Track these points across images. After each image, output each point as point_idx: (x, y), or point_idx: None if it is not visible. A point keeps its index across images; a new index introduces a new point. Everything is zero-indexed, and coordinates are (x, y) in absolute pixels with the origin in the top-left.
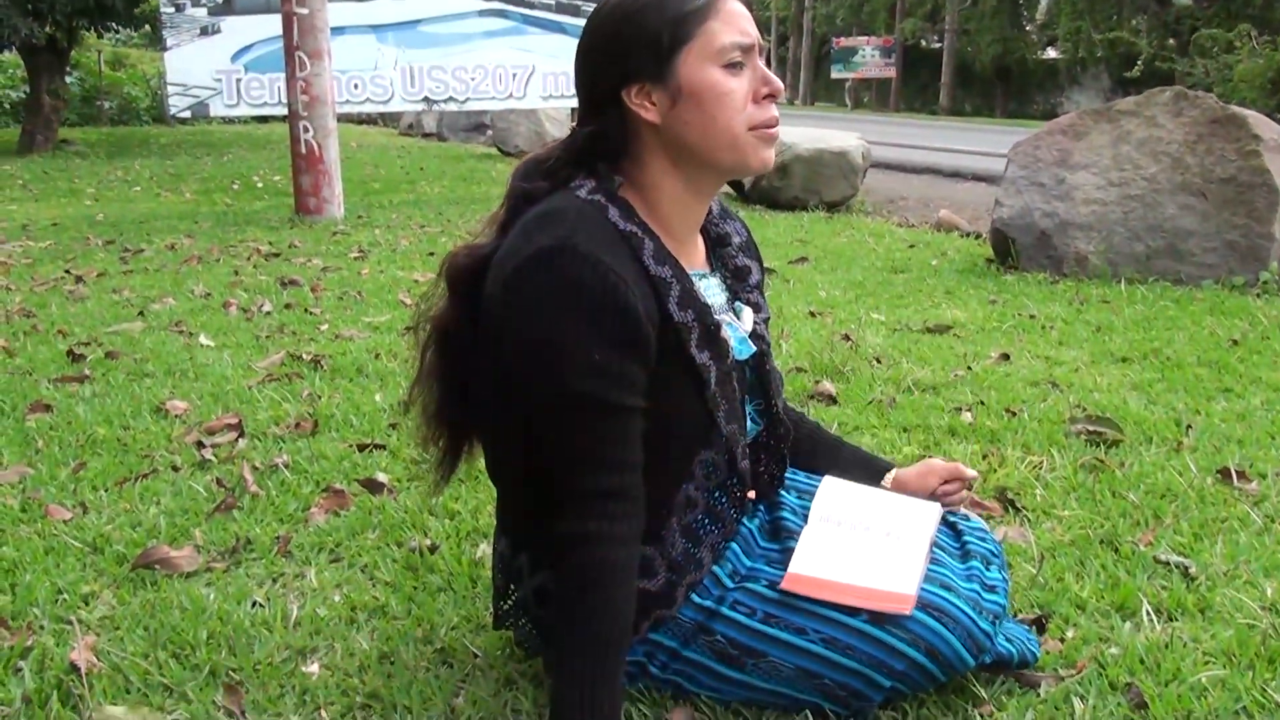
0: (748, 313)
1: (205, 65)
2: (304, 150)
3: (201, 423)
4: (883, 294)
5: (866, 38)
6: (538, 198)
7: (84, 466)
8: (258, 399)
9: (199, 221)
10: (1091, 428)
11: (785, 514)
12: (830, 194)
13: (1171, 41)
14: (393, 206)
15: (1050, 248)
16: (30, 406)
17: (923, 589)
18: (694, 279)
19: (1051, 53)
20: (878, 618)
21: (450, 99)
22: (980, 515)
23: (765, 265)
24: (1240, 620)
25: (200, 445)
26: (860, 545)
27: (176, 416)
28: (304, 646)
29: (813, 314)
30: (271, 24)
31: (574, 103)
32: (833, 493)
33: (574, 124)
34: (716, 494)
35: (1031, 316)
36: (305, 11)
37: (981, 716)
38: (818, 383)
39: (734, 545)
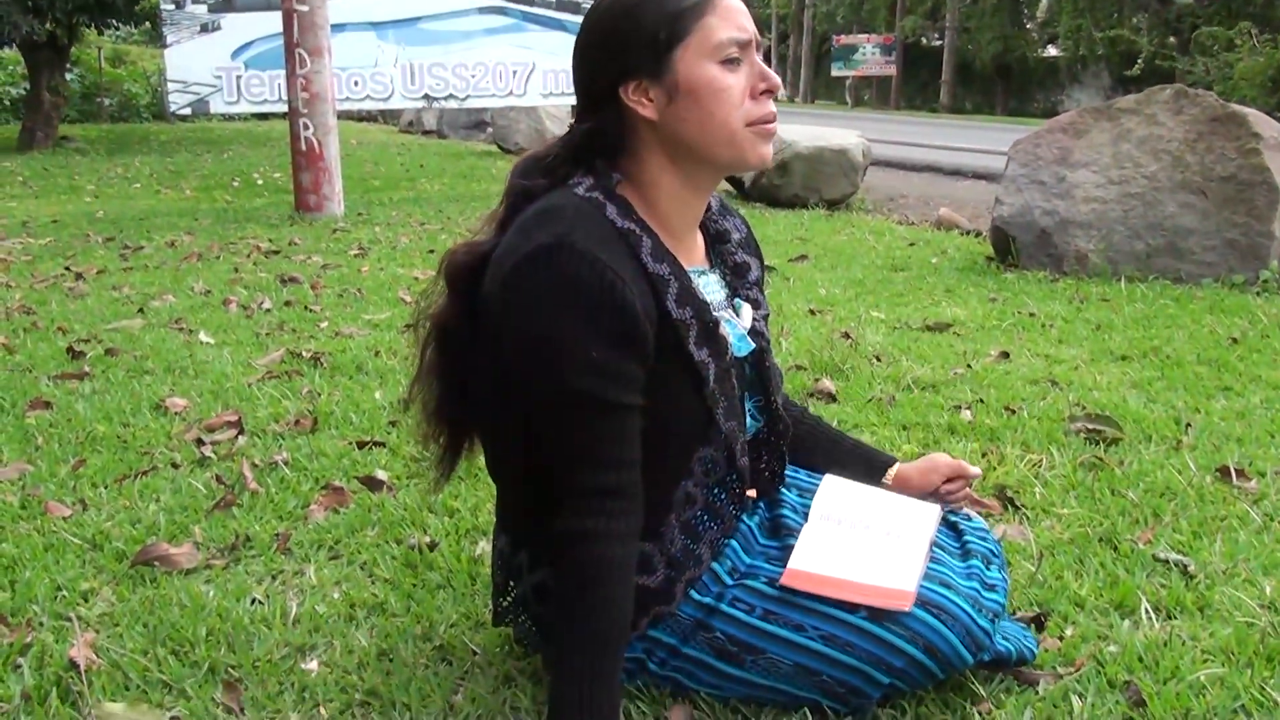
0: (747, 309)
1: (205, 62)
2: (304, 147)
3: (201, 420)
4: (883, 292)
5: (867, 35)
6: (536, 195)
7: (83, 463)
8: (257, 396)
9: (199, 219)
10: (1091, 426)
11: (785, 511)
12: (830, 192)
13: (1172, 39)
14: (393, 204)
15: (1050, 246)
16: (30, 403)
17: (922, 586)
18: (693, 276)
19: (1052, 50)
20: (877, 615)
21: (450, 96)
22: (979, 513)
23: (765, 262)
24: (1239, 618)
25: (200, 442)
26: (860, 543)
27: (176, 414)
28: (303, 644)
29: (812, 312)
30: (272, 21)
31: (574, 100)
32: (833, 491)
33: (573, 121)
34: (716, 491)
35: (1031, 315)
36: (305, 8)
37: (980, 714)
38: (817, 380)
39: (733, 543)
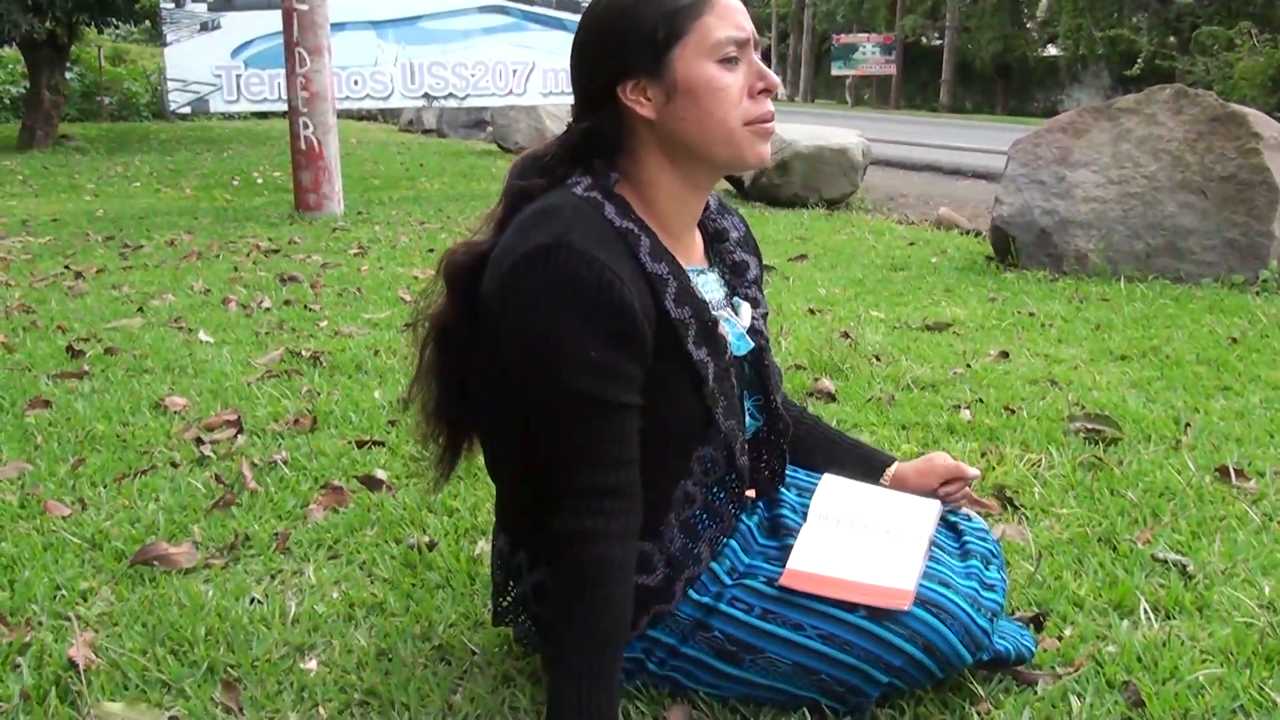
0: (746, 308)
1: (205, 61)
2: (304, 146)
3: (200, 419)
4: (882, 291)
5: (867, 35)
6: (534, 195)
7: (83, 463)
8: (257, 395)
9: (199, 217)
10: (1090, 426)
11: (784, 511)
12: (830, 191)
13: (1172, 39)
14: (392, 203)
15: (1050, 245)
16: (29, 402)
17: (921, 585)
18: (691, 275)
19: (1052, 50)
20: (876, 614)
21: (450, 95)
22: (978, 513)
23: (764, 261)
24: (1238, 619)
25: (199, 442)
26: (859, 542)
27: (175, 413)
28: (302, 643)
29: (812, 311)
30: (272, 20)
31: (573, 99)
32: (832, 490)
33: (571, 121)
34: (715, 490)
35: (1031, 314)
36: (305, 7)
37: (979, 714)
38: (817, 380)
39: (733, 542)
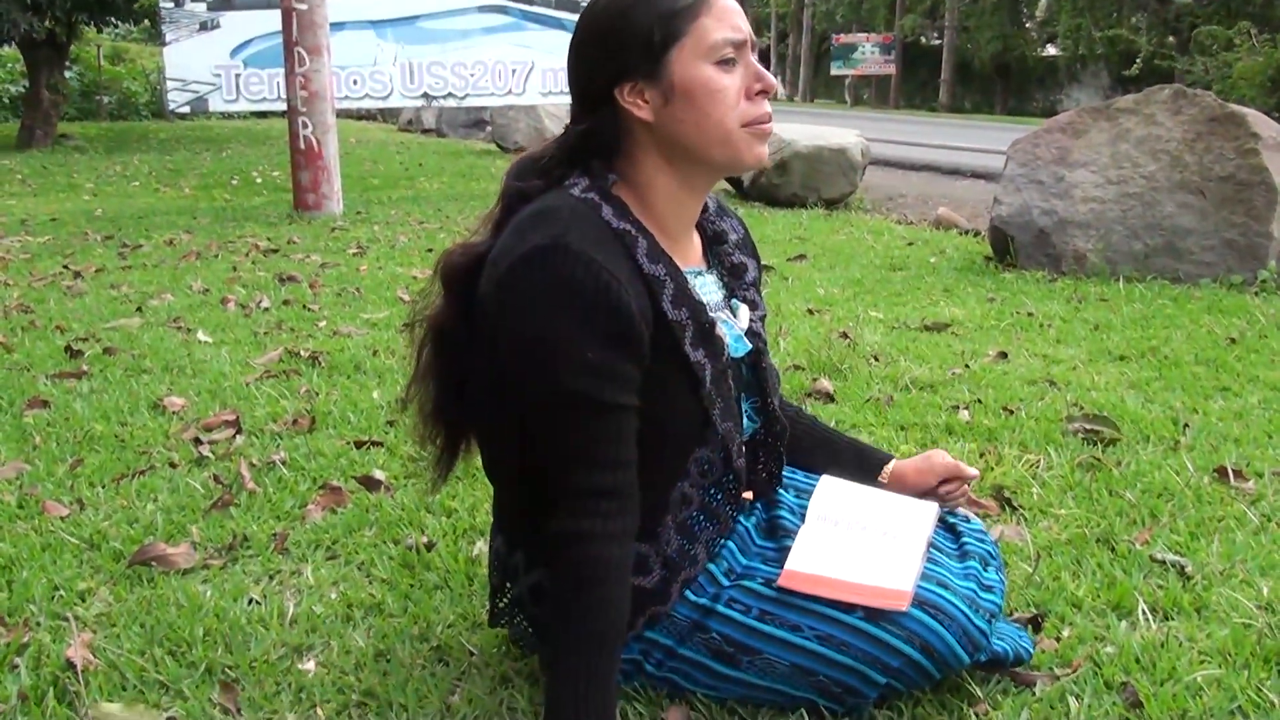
0: (744, 310)
1: (204, 60)
2: (303, 146)
3: (199, 419)
4: (881, 292)
5: (866, 34)
6: (532, 196)
7: (81, 463)
8: (255, 395)
9: (197, 217)
10: (1089, 426)
11: (782, 513)
12: (829, 191)
13: (1171, 39)
14: (391, 203)
15: (1049, 246)
16: (28, 402)
17: (919, 586)
18: (689, 276)
19: (1051, 50)
20: (873, 614)
21: (449, 95)
22: (977, 514)
23: (763, 262)
24: (1236, 619)
25: (198, 442)
26: (857, 544)
27: (174, 413)
28: (300, 644)
29: (811, 311)
30: (271, 19)
31: None
32: (830, 492)
33: (568, 122)
34: (712, 491)
35: (1029, 314)
36: (304, 7)
37: (977, 715)
38: (815, 380)
39: (730, 544)
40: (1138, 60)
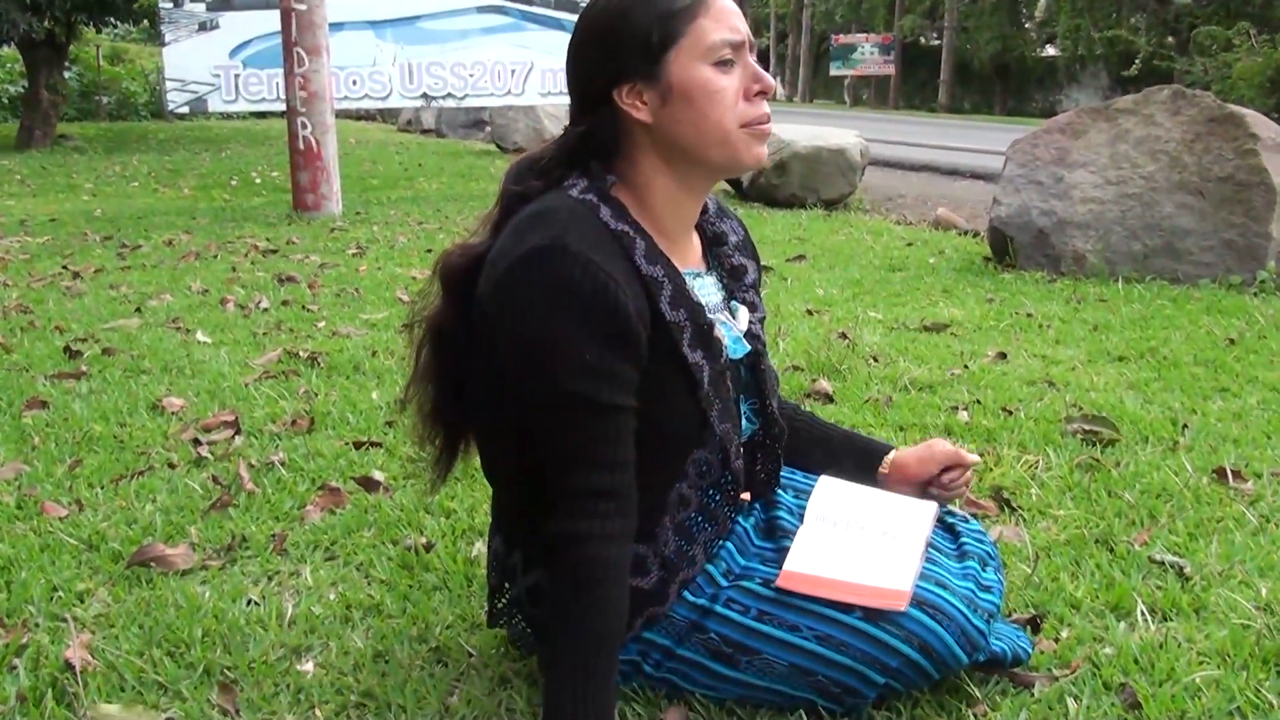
0: (743, 311)
1: (204, 61)
2: (302, 146)
3: (198, 420)
4: (880, 292)
5: (865, 35)
6: (531, 197)
7: (80, 463)
8: (254, 396)
9: (197, 217)
10: (1088, 427)
11: (781, 513)
12: (828, 192)
13: (1170, 39)
14: (391, 203)
15: (1048, 246)
16: (26, 403)
17: (917, 586)
18: (688, 278)
19: (1050, 50)
20: (872, 614)
21: (449, 95)
22: (975, 514)
23: (762, 263)
24: (1235, 620)
25: (196, 442)
26: (856, 544)
27: (173, 413)
28: (299, 645)
29: (810, 312)
30: (270, 20)
31: None
32: (829, 492)
33: (567, 123)
34: (710, 492)
35: (1029, 315)
36: (303, 7)
37: (975, 716)
38: (814, 381)
39: (728, 544)
40: (1137, 61)
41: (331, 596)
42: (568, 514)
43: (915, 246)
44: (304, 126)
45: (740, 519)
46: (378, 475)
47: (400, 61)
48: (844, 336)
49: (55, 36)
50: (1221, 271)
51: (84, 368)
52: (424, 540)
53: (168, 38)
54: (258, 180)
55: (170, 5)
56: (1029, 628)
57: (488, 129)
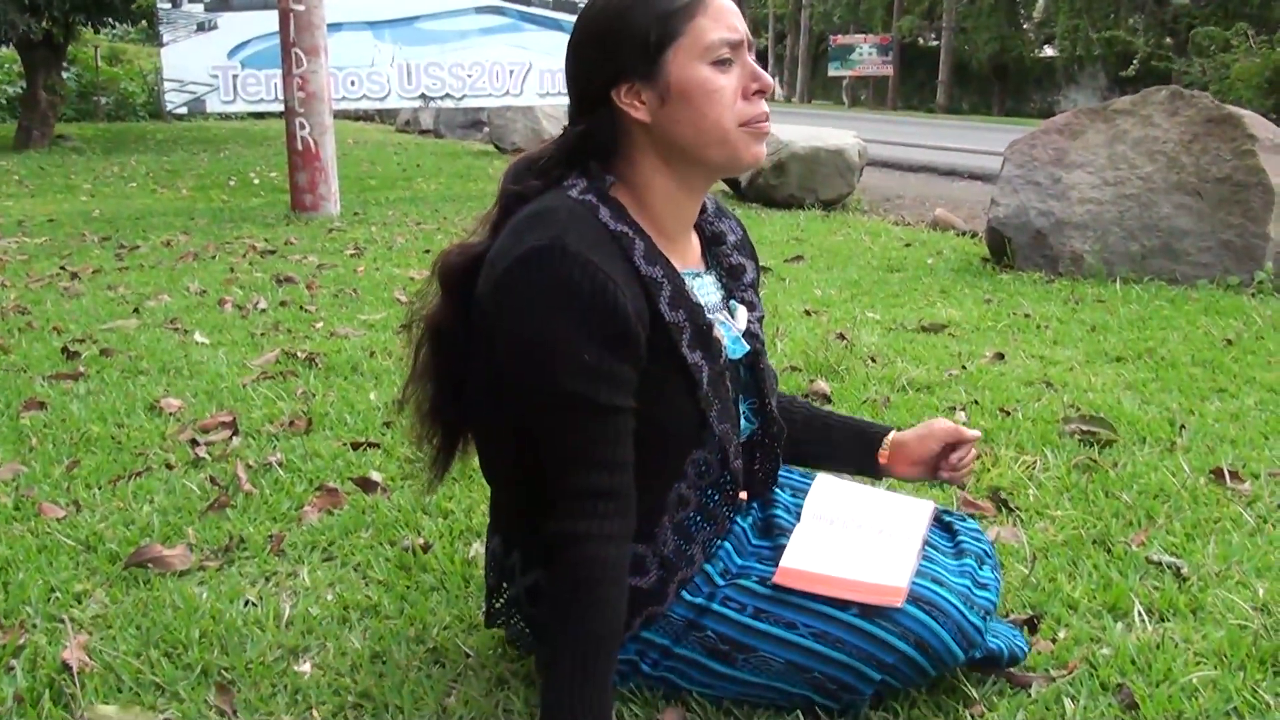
0: (742, 311)
1: (202, 61)
2: (300, 147)
3: (195, 420)
4: (878, 293)
5: (864, 35)
6: (530, 197)
7: (77, 464)
8: (252, 397)
9: (195, 218)
10: (1085, 427)
11: (778, 511)
12: (826, 192)
13: (1169, 40)
14: (389, 203)
15: (1046, 247)
16: (24, 404)
17: (914, 583)
18: (687, 278)
19: (1049, 51)
20: (868, 611)
21: (447, 96)
22: (973, 514)
23: (760, 264)
24: (1232, 621)
25: (194, 443)
26: (853, 541)
27: (170, 414)
28: (296, 646)
29: (808, 312)
30: (268, 20)
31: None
32: (826, 490)
33: (566, 124)
34: (709, 492)
35: (1026, 316)
36: (302, 8)
37: (972, 716)
38: (812, 381)
39: (726, 543)
40: (1135, 61)
41: (329, 597)
42: (567, 514)
43: (913, 247)
44: (302, 127)
45: (738, 518)
46: (375, 476)
47: (398, 62)
48: (842, 337)
49: (53, 37)
50: (1219, 272)
51: (82, 368)
52: (421, 541)
53: (166, 38)
54: (256, 181)
55: (168, 6)
56: (1026, 628)
57: (486, 129)
